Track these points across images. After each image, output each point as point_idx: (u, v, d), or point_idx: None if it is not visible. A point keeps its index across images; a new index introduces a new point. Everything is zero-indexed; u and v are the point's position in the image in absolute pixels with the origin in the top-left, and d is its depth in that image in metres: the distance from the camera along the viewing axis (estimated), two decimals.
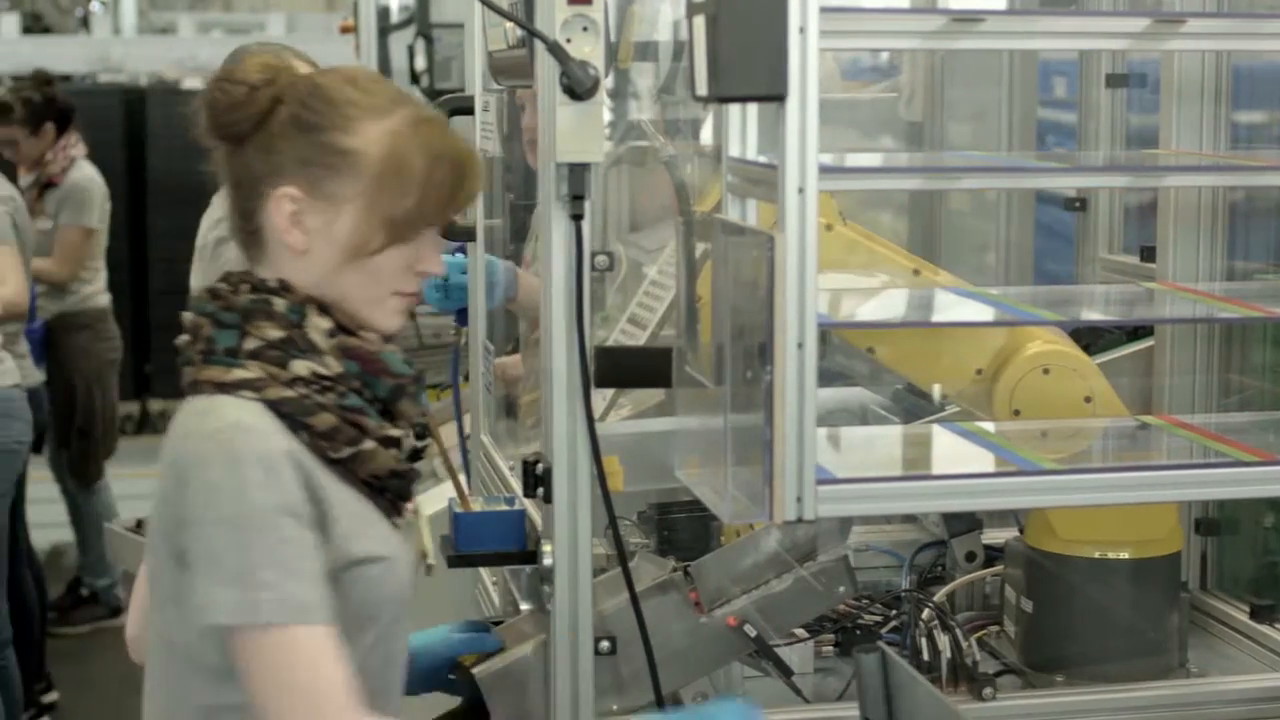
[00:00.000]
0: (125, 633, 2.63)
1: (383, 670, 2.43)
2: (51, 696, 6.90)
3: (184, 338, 2.40)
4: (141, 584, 2.57)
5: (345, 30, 8.04)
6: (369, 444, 2.36)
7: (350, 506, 2.34)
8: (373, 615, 2.38)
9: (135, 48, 13.26)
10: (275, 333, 2.34)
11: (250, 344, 2.33)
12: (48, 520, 7.74)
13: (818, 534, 3.04)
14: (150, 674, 2.43)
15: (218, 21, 15.34)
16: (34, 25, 14.46)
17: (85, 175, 7.42)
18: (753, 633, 2.95)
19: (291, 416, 2.30)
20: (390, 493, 2.43)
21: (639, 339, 3.51)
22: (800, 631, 3.19)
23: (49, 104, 7.40)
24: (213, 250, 3.98)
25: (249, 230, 2.41)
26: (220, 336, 2.35)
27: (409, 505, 2.51)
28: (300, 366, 2.33)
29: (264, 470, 2.22)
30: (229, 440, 2.24)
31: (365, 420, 2.36)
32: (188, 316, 2.40)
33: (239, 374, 2.31)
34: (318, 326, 2.35)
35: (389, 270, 2.38)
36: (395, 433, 2.41)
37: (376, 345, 2.40)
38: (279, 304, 2.35)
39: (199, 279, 4.03)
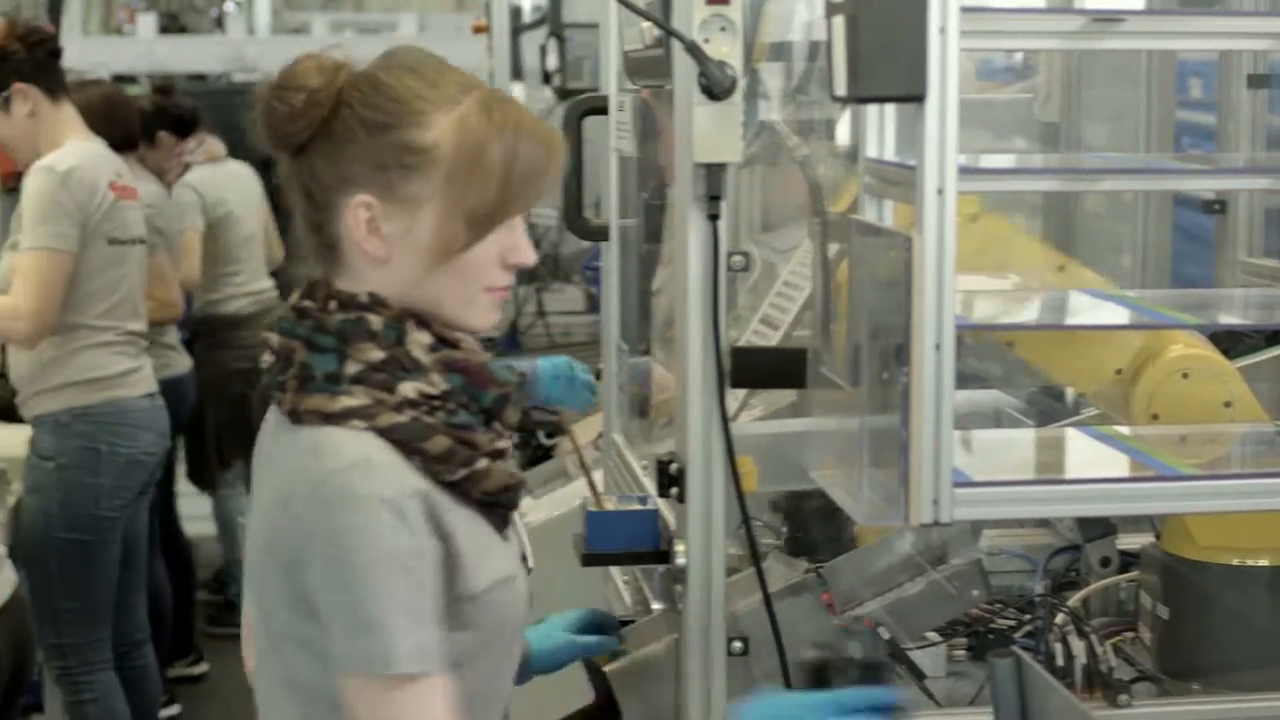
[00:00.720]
0: (245, 664, 2.51)
1: (494, 683, 2.35)
2: (201, 668, 7.05)
3: (270, 359, 2.28)
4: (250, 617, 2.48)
5: (478, 30, 8.08)
6: (483, 462, 2.24)
7: (470, 532, 2.24)
8: (499, 635, 2.31)
9: (269, 47, 13.38)
10: (377, 354, 2.20)
11: (352, 368, 2.20)
12: (191, 513, 7.81)
13: (948, 538, 3.03)
14: (266, 711, 2.34)
15: (350, 21, 15.49)
16: (170, 25, 14.65)
17: (184, 180, 7.43)
18: (885, 635, 2.94)
19: (405, 443, 2.18)
20: (502, 507, 2.32)
21: (771, 339, 3.51)
22: (933, 635, 3.17)
23: (159, 113, 7.38)
24: None
25: (324, 243, 2.27)
26: (317, 361, 2.21)
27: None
28: (408, 388, 2.20)
29: (392, 512, 2.12)
30: (353, 481, 2.13)
31: (475, 436, 2.24)
32: (274, 338, 2.27)
33: (346, 402, 2.18)
34: (419, 342, 2.23)
35: (478, 266, 2.24)
36: (503, 444, 2.30)
37: (479, 356, 2.29)
38: (375, 321, 2.22)
39: None
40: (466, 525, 2.23)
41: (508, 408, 2.29)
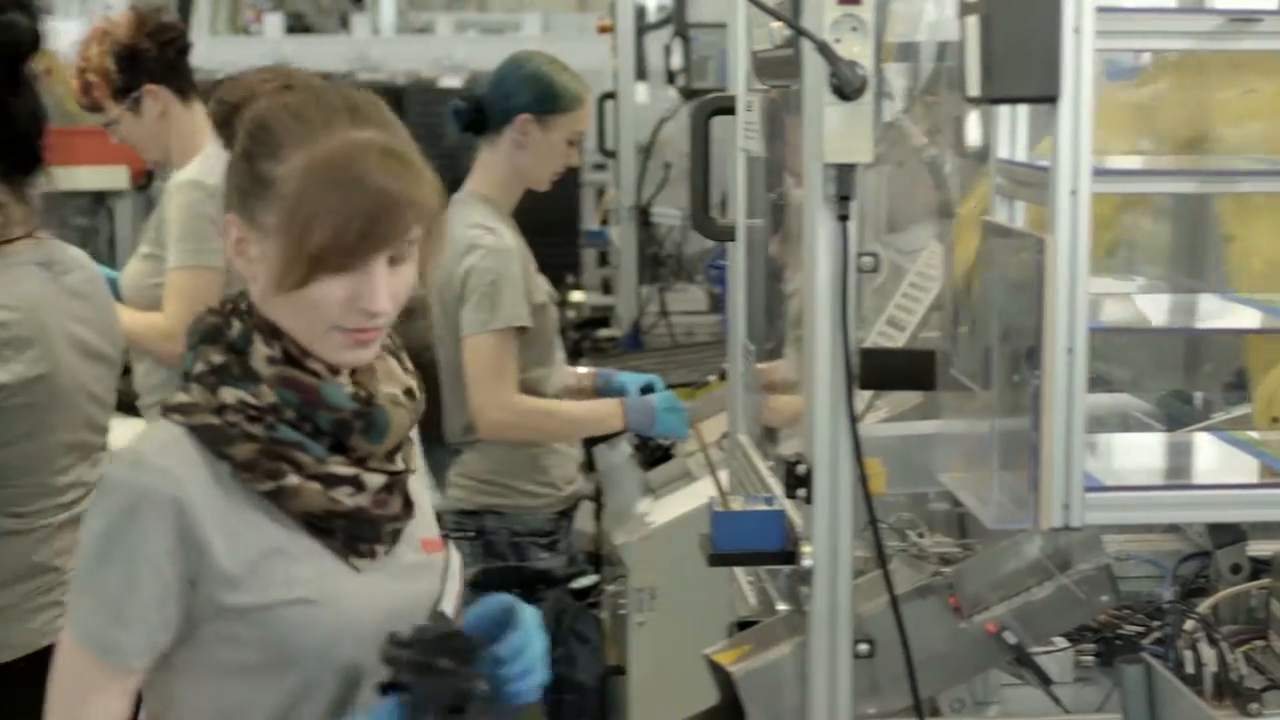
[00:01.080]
0: None
1: (301, 707, 2.31)
2: None
3: None
4: None
5: (602, 30, 8.11)
6: (293, 480, 2.25)
7: (266, 546, 2.26)
8: (292, 658, 2.27)
9: (393, 47, 13.43)
10: (217, 358, 2.28)
11: (197, 368, 2.29)
12: None
13: (1073, 542, 3.00)
14: None
15: (474, 21, 15.55)
16: (296, 25, 14.77)
17: None
18: (1013, 640, 2.92)
19: (212, 444, 2.24)
20: (341, 533, 2.29)
21: (897, 340, 3.49)
22: (1060, 640, 3.14)
23: None
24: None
25: None
26: (187, 358, 2.32)
27: (382, 547, 2.34)
28: (227, 394, 2.26)
29: (130, 507, 2.21)
30: (123, 467, 2.27)
31: (298, 455, 2.26)
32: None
33: (180, 398, 2.28)
34: (261, 354, 2.27)
35: (323, 304, 2.23)
36: (344, 471, 2.28)
37: (323, 376, 2.29)
38: (236, 328, 2.30)
39: None
40: (262, 539, 2.26)
41: (352, 435, 2.29)
